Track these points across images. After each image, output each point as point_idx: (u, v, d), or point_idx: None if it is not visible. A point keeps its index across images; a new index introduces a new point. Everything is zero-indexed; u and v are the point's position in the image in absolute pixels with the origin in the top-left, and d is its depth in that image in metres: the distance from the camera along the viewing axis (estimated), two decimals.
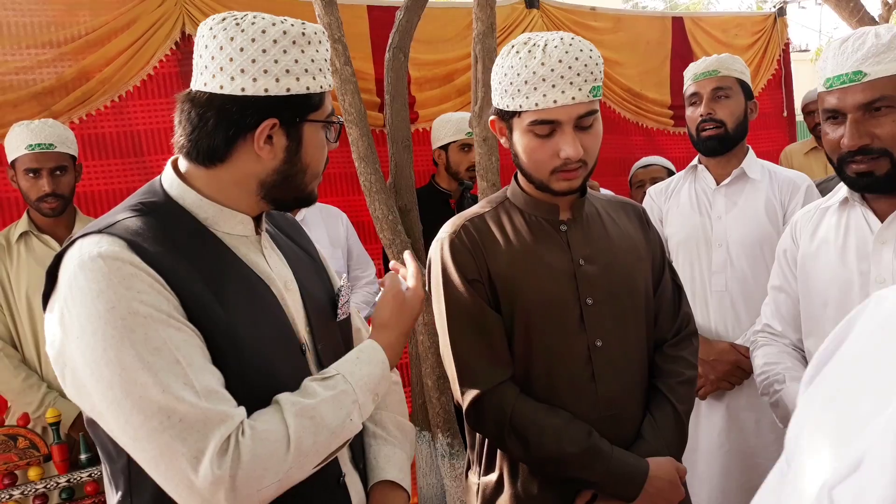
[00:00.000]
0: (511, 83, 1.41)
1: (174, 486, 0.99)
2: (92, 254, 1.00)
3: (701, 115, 2.26)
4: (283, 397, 1.08)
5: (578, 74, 1.37)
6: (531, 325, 1.48)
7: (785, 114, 4.96)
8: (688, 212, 2.37)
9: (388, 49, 2.90)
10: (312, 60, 1.13)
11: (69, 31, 2.99)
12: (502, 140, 1.54)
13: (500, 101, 1.47)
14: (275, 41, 1.09)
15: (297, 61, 1.11)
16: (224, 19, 1.11)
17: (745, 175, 2.28)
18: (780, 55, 4.97)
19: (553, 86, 1.37)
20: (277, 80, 1.10)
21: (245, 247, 1.20)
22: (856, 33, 1.51)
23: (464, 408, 1.49)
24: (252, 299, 1.14)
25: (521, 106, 1.41)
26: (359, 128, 2.63)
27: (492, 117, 1.54)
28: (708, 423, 2.31)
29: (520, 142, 1.46)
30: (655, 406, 1.55)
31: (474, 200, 2.99)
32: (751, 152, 2.34)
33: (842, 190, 1.64)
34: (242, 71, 1.09)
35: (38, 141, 2.47)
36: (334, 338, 1.31)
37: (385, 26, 3.13)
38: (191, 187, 1.16)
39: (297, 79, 1.12)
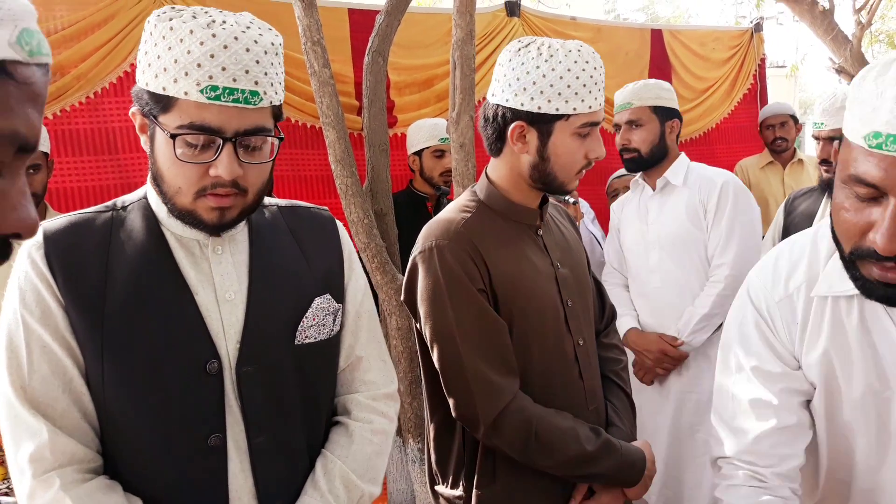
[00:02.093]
0: (568, 86, 1.39)
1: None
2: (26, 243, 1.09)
3: (622, 144, 2.62)
4: None
5: (603, 81, 1.45)
6: (529, 330, 1.47)
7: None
8: (633, 220, 2.71)
9: (367, 52, 2.90)
10: (175, 61, 1.02)
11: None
12: (517, 146, 1.46)
13: (543, 104, 1.40)
14: (181, 40, 1.02)
15: (159, 57, 1.03)
16: (158, 17, 1.06)
17: (669, 182, 2.58)
18: (756, 70, 5.04)
19: (600, 90, 1.44)
20: (156, 77, 1.04)
21: (187, 250, 1.14)
22: None
23: (483, 426, 1.40)
24: (147, 308, 1.09)
25: (575, 109, 1.41)
26: (336, 130, 2.63)
27: (514, 123, 1.44)
28: (654, 405, 2.65)
29: (562, 144, 1.44)
30: (612, 394, 1.65)
31: None
32: (679, 159, 2.60)
33: (842, 281, 1.12)
34: (149, 65, 1.05)
35: None
36: (283, 362, 1.18)
37: (366, 30, 3.14)
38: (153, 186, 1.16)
39: (156, 76, 1.03)
